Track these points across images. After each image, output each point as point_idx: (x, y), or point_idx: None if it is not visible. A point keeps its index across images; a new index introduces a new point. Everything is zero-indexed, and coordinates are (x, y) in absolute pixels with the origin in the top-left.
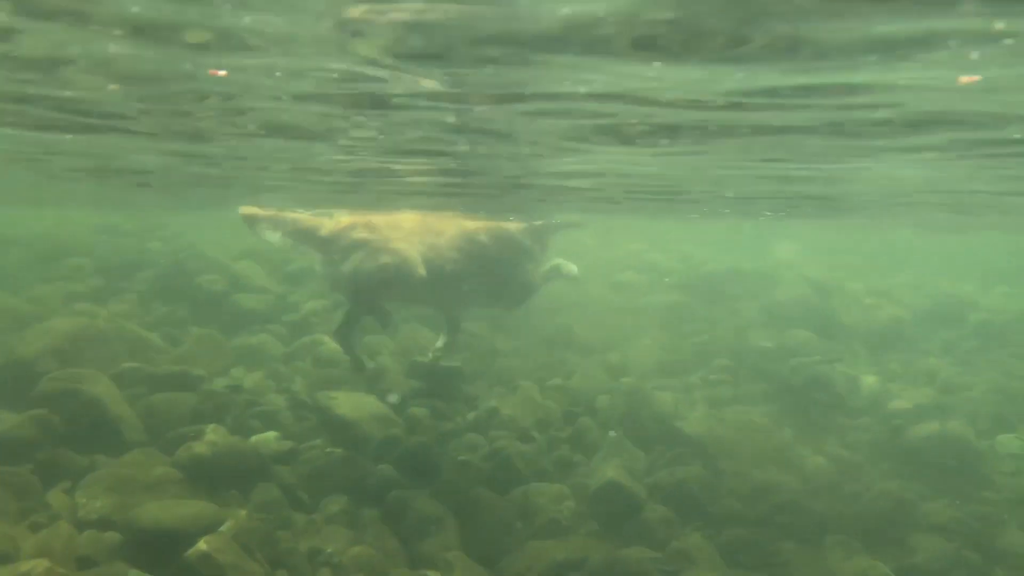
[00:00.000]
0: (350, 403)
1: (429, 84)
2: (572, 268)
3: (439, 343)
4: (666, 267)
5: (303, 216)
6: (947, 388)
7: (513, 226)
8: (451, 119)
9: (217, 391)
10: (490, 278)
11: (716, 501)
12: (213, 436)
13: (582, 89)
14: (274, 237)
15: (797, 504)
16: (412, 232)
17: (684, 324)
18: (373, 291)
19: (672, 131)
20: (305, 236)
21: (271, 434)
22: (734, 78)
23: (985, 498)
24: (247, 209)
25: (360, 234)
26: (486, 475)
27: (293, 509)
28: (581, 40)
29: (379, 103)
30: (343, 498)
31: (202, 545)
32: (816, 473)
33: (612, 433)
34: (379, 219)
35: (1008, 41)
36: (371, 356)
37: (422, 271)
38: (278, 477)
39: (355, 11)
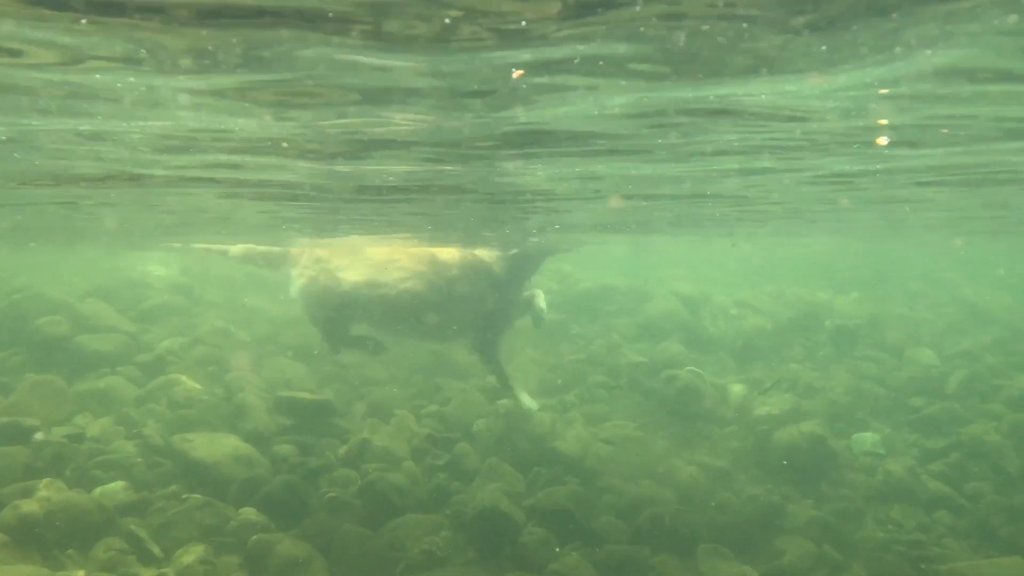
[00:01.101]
0: (209, 445)
1: None
2: (540, 304)
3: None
4: (541, 286)
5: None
6: (807, 393)
7: (486, 255)
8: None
9: (53, 442)
10: (458, 307)
11: (594, 518)
12: (46, 492)
13: None
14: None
15: (672, 516)
16: (366, 261)
17: (560, 343)
18: (311, 311)
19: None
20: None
21: (117, 484)
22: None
23: (843, 495)
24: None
25: (315, 258)
26: (358, 511)
27: (142, 564)
28: None
29: None
30: (199, 547)
31: None
32: (689, 483)
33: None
34: (341, 248)
35: None
36: (233, 393)
37: (346, 291)
38: (125, 530)
39: None
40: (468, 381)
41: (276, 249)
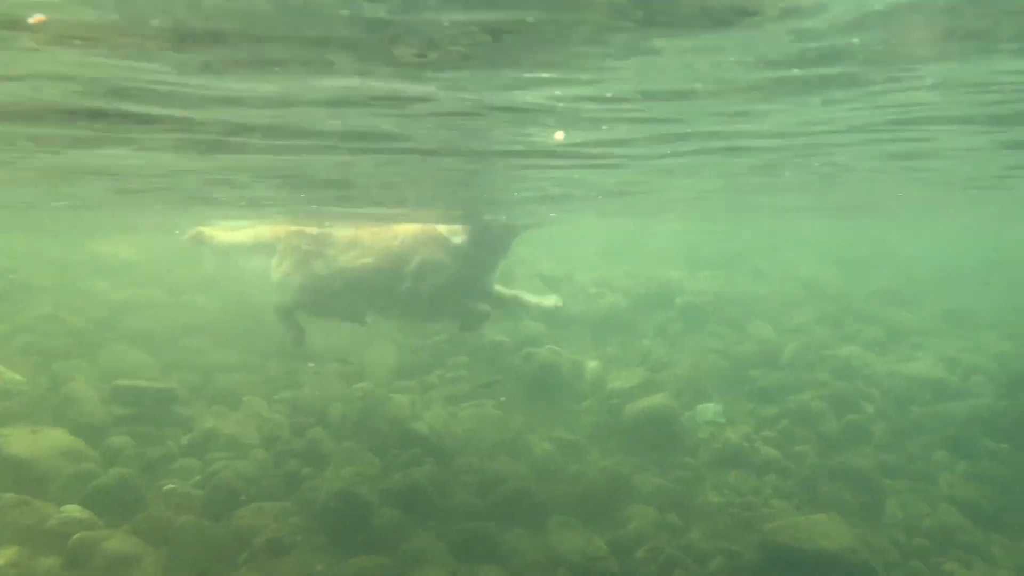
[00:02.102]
0: (26, 440)
1: None
2: (547, 302)
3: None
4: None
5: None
6: (657, 367)
7: (444, 229)
8: None
9: None
10: (408, 284)
11: (448, 497)
12: None
13: None
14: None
15: (525, 491)
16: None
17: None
18: (301, 298)
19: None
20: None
21: None
22: None
23: (686, 463)
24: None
25: (291, 244)
26: (200, 502)
27: None
28: None
29: None
30: (11, 549)
31: None
32: (544, 458)
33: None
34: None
35: None
36: (60, 383)
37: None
38: None
39: None
40: (325, 365)
41: (265, 232)
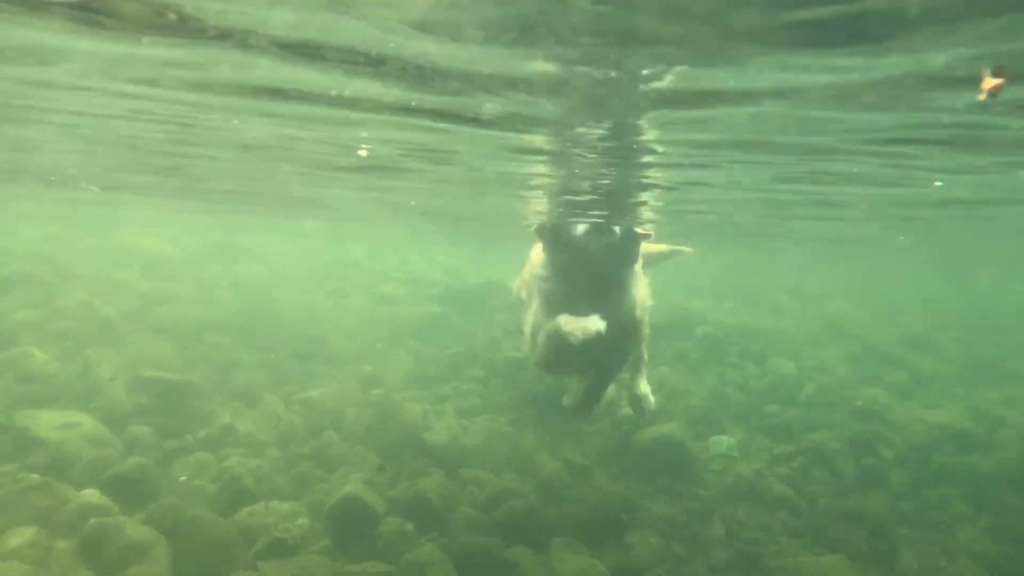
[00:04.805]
0: (55, 422)
1: None
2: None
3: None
4: (430, 279)
5: None
6: (672, 395)
7: None
8: None
9: None
10: None
11: (454, 510)
12: None
13: None
14: None
15: (531, 509)
16: None
17: (442, 336)
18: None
19: None
20: None
21: None
22: None
23: (696, 495)
24: None
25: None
26: (211, 496)
27: None
28: None
29: None
30: (29, 530)
31: None
32: (552, 478)
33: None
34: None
35: None
36: (89, 370)
37: None
38: None
39: None
40: (344, 369)
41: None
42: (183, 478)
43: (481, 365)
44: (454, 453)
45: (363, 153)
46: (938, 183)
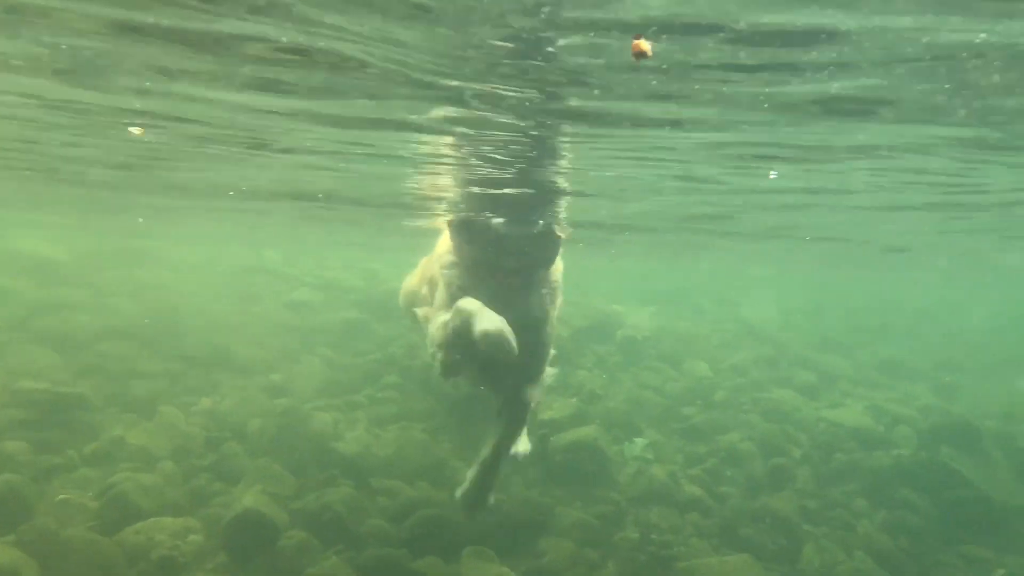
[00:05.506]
0: None
1: None
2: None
3: None
4: (348, 285)
5: None
6: (590, 398)
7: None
8: None
9: None
10: None
11: (363, 521)
12: None
13: None
14: None
15: (442, 518)
16: None
17: (359, 342)
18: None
19: None
20: None
21: None
22: None
23: (610, 498)
24: None
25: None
26: (93, 514)
27: None
28: None
29: None
30: None
31: None
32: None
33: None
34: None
35: None
36: None
37: None
38: None
39: None
40: (250, 378)
41: None
42: (61, 496)
43: (398, 372)
44: (366, 463)
45: (136, 131)
46: (772, 174)
